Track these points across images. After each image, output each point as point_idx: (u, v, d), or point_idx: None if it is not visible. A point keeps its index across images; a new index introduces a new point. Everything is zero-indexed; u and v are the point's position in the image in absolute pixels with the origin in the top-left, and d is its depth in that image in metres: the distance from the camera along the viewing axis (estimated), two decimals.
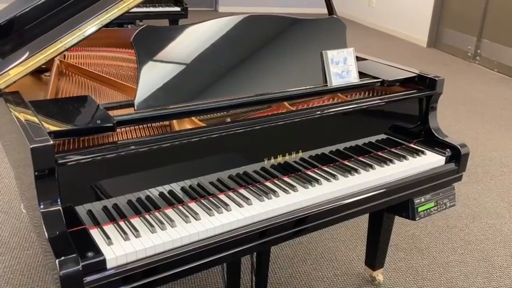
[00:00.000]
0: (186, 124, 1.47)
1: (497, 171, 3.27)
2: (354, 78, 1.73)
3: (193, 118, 1.47)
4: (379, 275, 2.13)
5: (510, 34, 5.50)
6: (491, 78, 5.49)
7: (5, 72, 1.41)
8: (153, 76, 1.40)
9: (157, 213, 1.28)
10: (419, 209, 1.69)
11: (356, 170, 1.57)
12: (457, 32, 6.39)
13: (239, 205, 1.34)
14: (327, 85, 1.68)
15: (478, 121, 4.15)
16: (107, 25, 1.48)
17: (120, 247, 1.14)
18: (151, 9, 4.95)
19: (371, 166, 1.61)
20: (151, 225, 1.22)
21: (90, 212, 1.22)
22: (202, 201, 1.35)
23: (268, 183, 1.46)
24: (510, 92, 5.00)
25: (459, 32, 6.34)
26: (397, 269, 2.25)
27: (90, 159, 1.18)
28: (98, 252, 1.10)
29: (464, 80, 5.35)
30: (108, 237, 1.16)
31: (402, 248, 2.40)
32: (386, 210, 1.83)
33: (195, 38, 1.48)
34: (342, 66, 1.69)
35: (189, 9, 5.14)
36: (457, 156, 1.74)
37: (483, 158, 3.44)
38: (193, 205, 1.33)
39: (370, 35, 7.53)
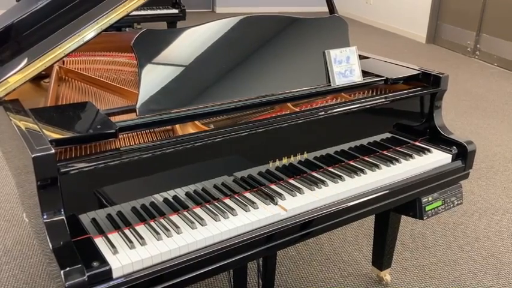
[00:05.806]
0: (189, 128, 1.45)
1: (502, 166, 3.24)
2: (357, 77, 1.71)
3: (196, 122, 1.45)
4: (386, 275, 2.11)
5: (509, 28, 5.48)
6: (491, 72, 5.46)
7: (4, 80, 1.39)
8: (155, 80, 1.38)
9: (162, 220, 1.26)
10: (427, 208, 1.67)
11: (362, 171, 1.55)
12: (456, 27, 6.37)
13: (245, 209, 1.32)
14: (330, 85, 1.66)
15: (480, 116, 4.12)
16: (105, 29, 1.46)
17: (126, 256, 1.12)
18: (149, 11, 4.94)
19: (377, 166, 1.59)
20: (157, 233, 1.19)
21: (94, 220, 1.20)
22: (208, 206, 1.33)
23: (273, 186, 1.44)
24: (511, 86, 4.98)
25: (458, 27, 6.32)
26: (405, 268, 2.23)
27: (92, 167, 1.16)
28: (103, 261, 1.08)
29: (464, 75, 5.33)
30: (113, 246, 1.14)
31: (409, 247, 2.38)
32: (393, 210, 1.81)
33: (196, 41, 1.46)
34: (345, 65, 1.67)
35: (186, 11, 5.13)
36: (463, 154, 1.72)
37: (487, 154, 3.42)
38: (198, 210, 1.31)
39: (368, 32, 7.51)
